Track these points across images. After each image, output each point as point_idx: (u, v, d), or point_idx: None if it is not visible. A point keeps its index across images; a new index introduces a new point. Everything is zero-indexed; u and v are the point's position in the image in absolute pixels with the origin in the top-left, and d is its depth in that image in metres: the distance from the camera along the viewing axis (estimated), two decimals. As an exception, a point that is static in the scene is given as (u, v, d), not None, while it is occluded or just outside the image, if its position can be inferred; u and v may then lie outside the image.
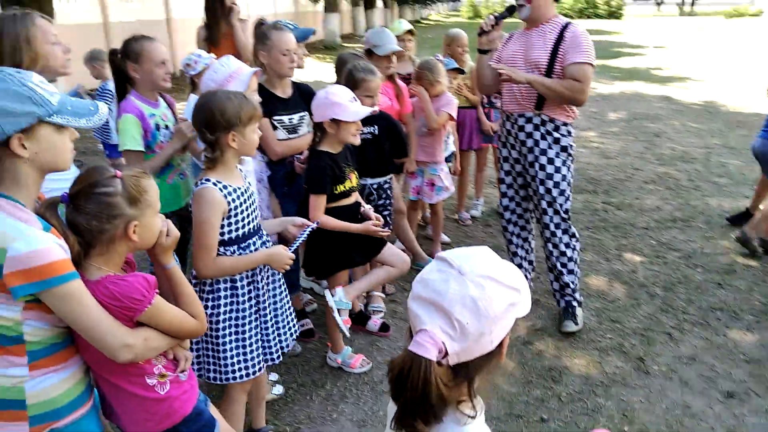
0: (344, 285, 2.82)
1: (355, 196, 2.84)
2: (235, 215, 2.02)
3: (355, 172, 2.81)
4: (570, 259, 3.38)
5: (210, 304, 2.05)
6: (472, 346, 0.95)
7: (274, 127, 2.92)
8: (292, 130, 2.99)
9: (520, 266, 3.61)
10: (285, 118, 2.95)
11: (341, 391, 2.87)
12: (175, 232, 1.58)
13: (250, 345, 2.12)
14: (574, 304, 3.43)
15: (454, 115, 4.02)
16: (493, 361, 1.01)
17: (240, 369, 2.10)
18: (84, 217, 1.39)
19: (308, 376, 2.98)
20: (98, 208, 1.39)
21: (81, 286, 1.37)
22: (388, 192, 3.31)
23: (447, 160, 4.40)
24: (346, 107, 2.58)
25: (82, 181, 1.43)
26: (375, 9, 29.61)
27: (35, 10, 2.16)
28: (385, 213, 3.32)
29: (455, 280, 0.96)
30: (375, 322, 3.33)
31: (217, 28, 4.40)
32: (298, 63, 3.26)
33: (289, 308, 2.35)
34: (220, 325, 2.06)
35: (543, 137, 3.21)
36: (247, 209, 2.07)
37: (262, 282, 2.16)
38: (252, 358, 2.13)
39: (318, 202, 2.63)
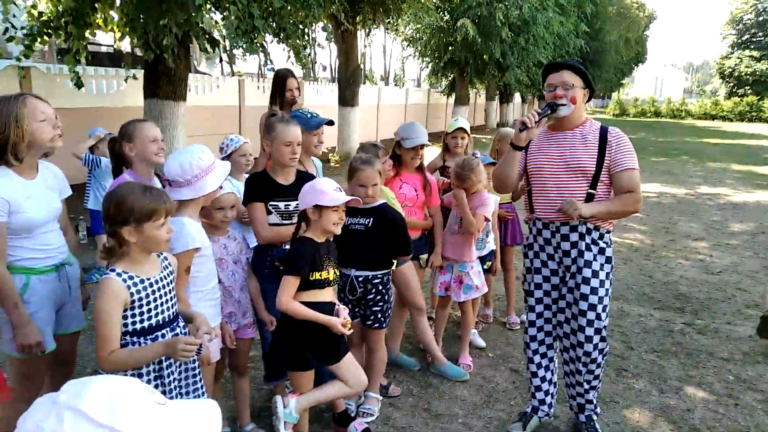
0: (301, 393, 2.67)
1: (331, 296, 2.72)
2: (140, 306, 1.99)
3: (335, 268, 2.72)
4: (596, 377, 3.07)
5: None
6: None
7: (269, 212, 2.96)
8: (287, 216, 2.99)
9: (538, 389, 3.22)
10: (281, 204, 2.97)
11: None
12: None
13: None
14: (594, 417, 3.17)
15: (489, 215, 3.82)
16: None
17: None
18: None
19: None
20: None
21: None
22: (379, 287, 3.14)
23: (486, 259, 4.16)
24: (328, 194, 2.56)
25: None
26: (511, 104, 29.96)
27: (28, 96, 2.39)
28: (376, 309, 3.15)
29: (43, 409, 0.86)
30: (357, 425, 3.09)
31: (278, 117, 4.72)
32: (312, 152, 3.34)
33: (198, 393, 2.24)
34: None
35: (588, 248, 2.91)
36: (155, 300, 2.04)
37: (169, 378, 2.09)
38: None
39: (289, 284, 2.56)
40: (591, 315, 2.92)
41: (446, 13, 19.97)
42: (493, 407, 3.47)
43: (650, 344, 4.39)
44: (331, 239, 2.75)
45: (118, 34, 7.80)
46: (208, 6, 7.60)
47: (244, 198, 2.98)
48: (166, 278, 2.09)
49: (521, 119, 2.87)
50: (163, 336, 2.06)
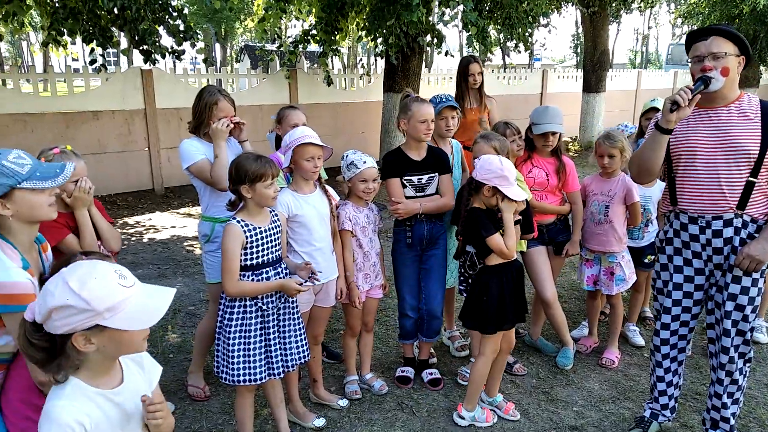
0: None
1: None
2: (251, 247, 2.58)
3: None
4: (739, 388, 2.77)
5: (226, 317, 2.63)
6: (47, 321, 1.38)
7: (404, 186, 3.32)
8: (420, 188, 3.33)
9: (663, 393, 2.98)
10: (414, 178, 3.31)
11: (384, 435, 3.06)
12: None
13: (254, 357, 2.63)
14: None
15: (637, 198, 3.60)
16: (67, 345, 1.39)
17: (244, 374, 2.63)
18: None
19: (372, 413, 3.25)
20: None
21: None
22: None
23: (648, 251, 3.89)
24: (512, 186, 2.83)
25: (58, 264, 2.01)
26: None
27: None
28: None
29: (56, 275, 1.42)
30: (429, 373, 3.47)
31: (462, 103, 5.10)
32: (443, 134, 3.58)
33: (298, 336, 2.79)
34: (231, 335, 2.61)
35: (743, 242, 2.61)
36: (263, 244, 2.61)
37: (267, 306, 2.64)
38: (255, 368, 2.63)
39: (499, 240, 2.86)
40: (737, 316, 2.64)
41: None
42: (620, 404, 3.31)
43: None
44: None
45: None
46: (437, 2, 8.21)
47: (381, 174, 3.35)
48: (273, 229, 2.68)
49: (672, 97, 2.56)
50: (266, 272, 2.64)
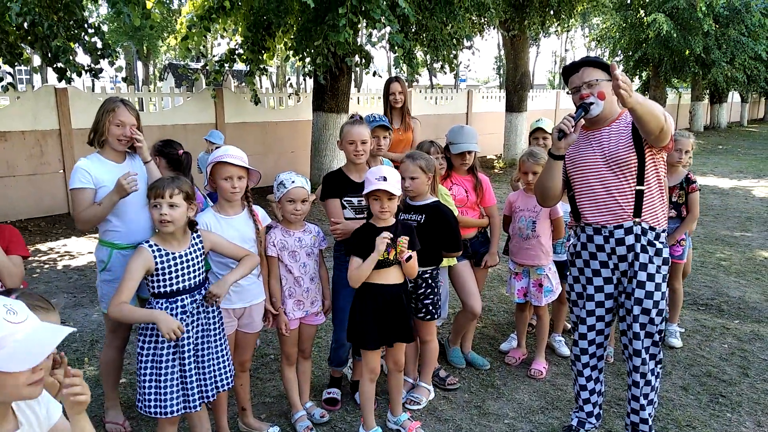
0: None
1: (397, 278, 2.96)
2: (163, 273, 2.47)
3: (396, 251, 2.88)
4: (653, 388, 2.89)
5: (139, 344, 2.50)
6: None
7: (343, 207, 3.26)
8: (360, 210, 3.26)
9: (587, 401, 3.09)
10: (354, 200, 3.25)
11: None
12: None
13: (164, 388, 2.48)
14: None
15: (561, 212, 3.73)
16: None
17: (156, 406, 2.48)
18: None
19: (303, 437, 3.16)
20: None
21: None
22: (429, 281, 3.29)
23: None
24: (370, 182, 2.85)
25: None
26: (724, 104, 26.50)
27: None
28: (427, 302, 3.31)
29: None
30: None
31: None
32: (371, 151, 3.57)
33: (222, 361, 2.67)
34: (142, 364, 2.48)
35: (644, 249, 2.78)
36: (177, 270, 2.50)
37: (184, 335, 2.50)
38: (167, 400, 2.48)
39: (352, 262, 2.88)
40: (644, 319, 2.80)
41: (639, 9, 18.59)
42: (549, 414, 3.38)
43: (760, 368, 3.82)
44: (395, 225, 2.94)
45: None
46: (364, 24, 8.30)
47: (321, 194, 3.31)
48: (192, 253, 2.56)
49: (557, 126, 2.76)
50: (182, 300, 2.52)
